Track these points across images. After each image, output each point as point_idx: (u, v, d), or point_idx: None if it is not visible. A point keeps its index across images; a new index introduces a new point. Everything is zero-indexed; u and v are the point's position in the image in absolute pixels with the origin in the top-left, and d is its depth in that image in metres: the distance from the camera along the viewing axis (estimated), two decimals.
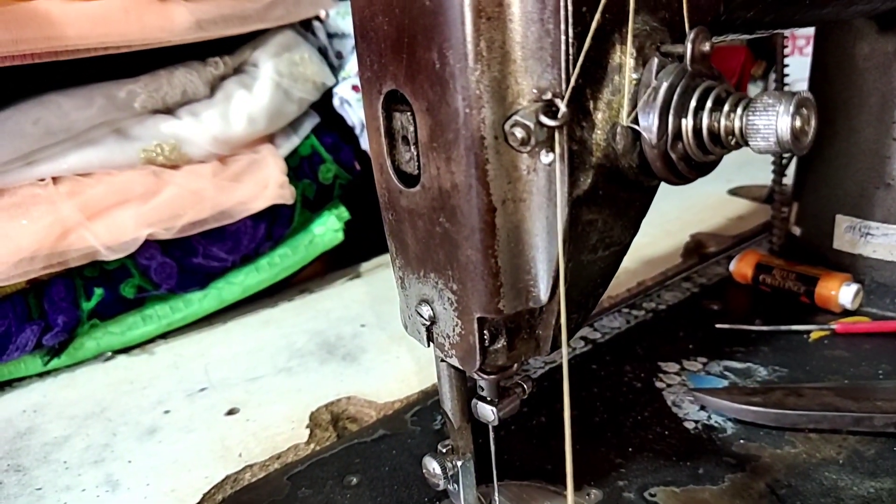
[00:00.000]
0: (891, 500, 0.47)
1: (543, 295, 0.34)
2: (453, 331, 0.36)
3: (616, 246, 0.36)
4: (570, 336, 0.38)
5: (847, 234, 0.70)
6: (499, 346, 0.36)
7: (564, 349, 0.31)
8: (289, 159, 0.85)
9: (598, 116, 0.31)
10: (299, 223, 0.87)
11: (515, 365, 0.38)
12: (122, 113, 0.74)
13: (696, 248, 0.91)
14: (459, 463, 0.43)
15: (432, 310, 0.37)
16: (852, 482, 0.48)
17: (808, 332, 0.67)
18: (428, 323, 0.38)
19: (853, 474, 0.49)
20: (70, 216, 0.69)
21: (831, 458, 0.51)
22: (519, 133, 0.29)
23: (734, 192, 1.10)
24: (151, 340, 0.79)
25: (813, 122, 0.29)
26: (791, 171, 0.79)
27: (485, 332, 0.36)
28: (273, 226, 0.82)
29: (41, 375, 0.73)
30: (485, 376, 0.39)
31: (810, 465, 0.50)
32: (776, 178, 0.75)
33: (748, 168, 1.09)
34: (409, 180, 0.35)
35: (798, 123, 0.29)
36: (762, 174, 0.77)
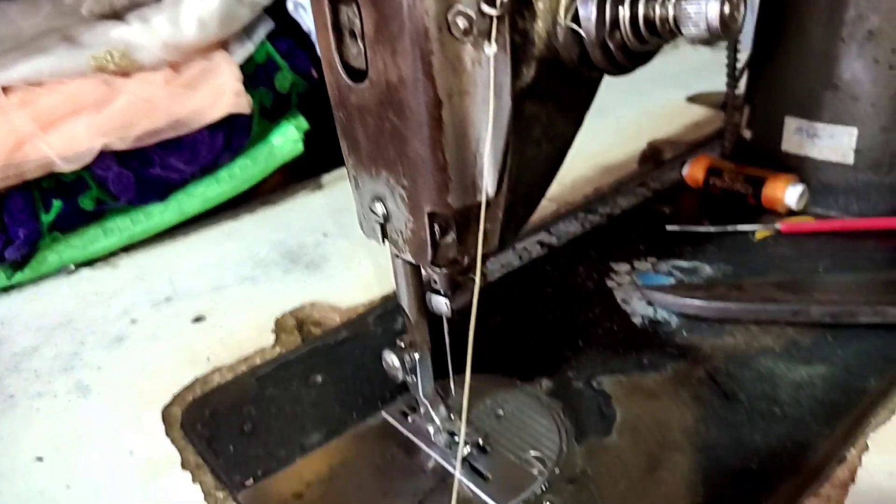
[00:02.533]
0: (822, 385, 0.50)
1: (490, 189, 0.35)
2: (406, 226, 0.37)
3: (559, 140, 0.37)
4: (517, 229, 0.40)
5: (795, 136, 0.72)
6: (449, 240, 0.37)
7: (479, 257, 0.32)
8: (244, 67, 0.83)
9: (540, 6, 0.32)
10: (258, 133, 0.86)
11: (466, 259, 0.40)
12: (69, 19, 0.71)
13: (653, 155, 0.92)
14: (417, 356, 0.45)
15: (385, 207, 0.38)
16: (787, 369, 0.51)
17: (754, 231, 0.69)
18: (382, 220, 0.39)
19: (789, 362, 0.52)
20: (23, 126, 0.68)
21: (769, 347, 0.54)
22: (461, 23, 0.30)
23: (692, 98, 1.10)
24: (114, 253, 0.78)
25: (742, 9, 0.30)
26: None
27: (435, 226, 0.36)
28: (231, 136, 0.81)
29: (6, 290, 0.73)
30: (438, 269, 0.41)
31: (749, 355, 0.53)
32: (729, 82, 0.76)
33: (706, 74, 1.09)
34: (358, 76, 0.35)
35: (727, 10, 0.29)
36: (720, 80, 0.77)
